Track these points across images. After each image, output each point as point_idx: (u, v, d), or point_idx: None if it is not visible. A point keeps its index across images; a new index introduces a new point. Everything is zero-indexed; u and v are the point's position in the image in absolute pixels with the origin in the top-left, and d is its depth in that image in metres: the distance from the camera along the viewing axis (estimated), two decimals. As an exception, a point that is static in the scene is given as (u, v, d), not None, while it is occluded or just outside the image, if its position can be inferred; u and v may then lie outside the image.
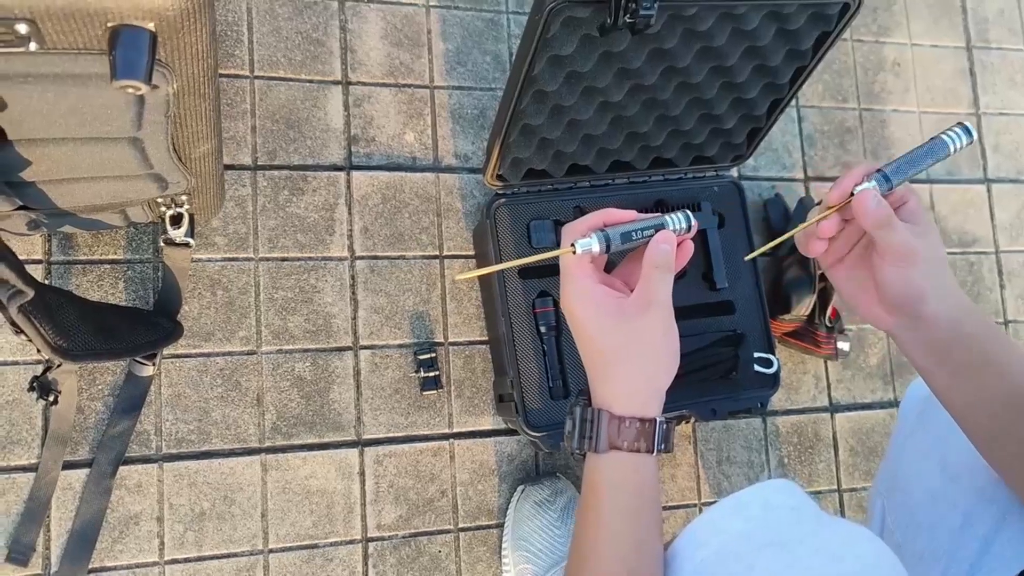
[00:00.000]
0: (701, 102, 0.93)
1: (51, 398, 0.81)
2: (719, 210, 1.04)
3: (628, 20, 0.70)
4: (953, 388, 0.62)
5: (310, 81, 1.04)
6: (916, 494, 0.73)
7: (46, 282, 0.92)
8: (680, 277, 1.01)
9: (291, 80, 1.03)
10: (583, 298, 0.61)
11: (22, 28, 0.47)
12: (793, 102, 1.25)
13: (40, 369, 0.84)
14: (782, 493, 0.59)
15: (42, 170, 0.65)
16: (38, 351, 0.79)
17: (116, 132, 0.61)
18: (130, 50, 0.48)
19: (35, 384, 0.80)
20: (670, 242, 0.62)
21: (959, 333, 0.61)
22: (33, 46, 0.48)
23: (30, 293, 0.63)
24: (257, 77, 1.02)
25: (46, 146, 0.62)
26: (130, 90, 0.49)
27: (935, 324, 0.61)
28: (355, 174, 1.04)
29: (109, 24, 0.49)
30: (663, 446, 0.60)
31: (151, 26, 0.49)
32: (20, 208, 0.73)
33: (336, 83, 1.05)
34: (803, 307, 1.08)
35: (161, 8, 0.48)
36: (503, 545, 1.00)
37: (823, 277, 1.10)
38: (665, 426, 0.60)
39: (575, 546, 0.60)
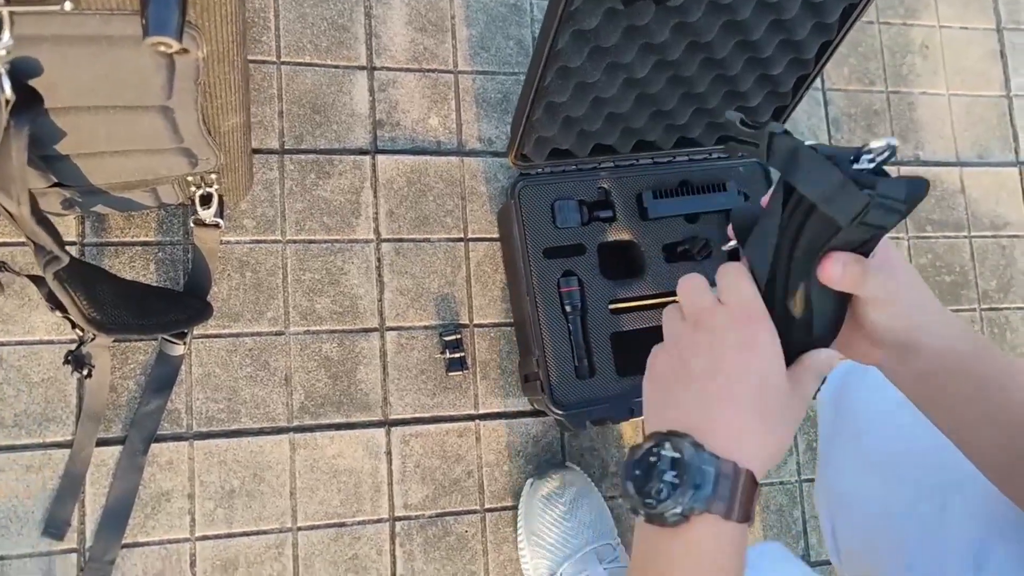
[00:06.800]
0: (726, 79, 0.92)
1: (85, 372, 0.83)
2: (744, 191, 1.03)
3: (652, -12, 0.70)
4: (954, 422, 0.58)
5: (336, 66, 1.05)
6: (860, 510, 0.65)
7: (80, 263, 0.93)
8: (706, 257, 1.00)
9: (317, 65, 1.04)
10: None
11: (58, -13, 0.48)
12: (819, 85, 1.23)
13: (75, 345, 0.85)
14: (766, 558, 0.56)
15: (75, 142, 0.67)
16: (72, 325, 0.81)
17: (147, 100, 0.62)
18: (162, 7, 0.49)
19: (70, 358, 0.82)
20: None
21: (949, 362, 0.57)
22: (68, 5, 0.50)
23: (66, 259, 0.64)
24: (284, 63, 1.03)
25: (79, 115, 0.63)
26: (162, 47, 0.50)
27: (924, 356, 0.58)
28: (380, 158, 1.05)
29: (142, -16, 0.50)
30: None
31: (182, -15, 0.50)
32: (55, 185, 0.75)
33: (361, 68, 1.06)
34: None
35: (191, -33, 0.50)
36: (518, 537, 0.99)
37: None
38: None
39: None
